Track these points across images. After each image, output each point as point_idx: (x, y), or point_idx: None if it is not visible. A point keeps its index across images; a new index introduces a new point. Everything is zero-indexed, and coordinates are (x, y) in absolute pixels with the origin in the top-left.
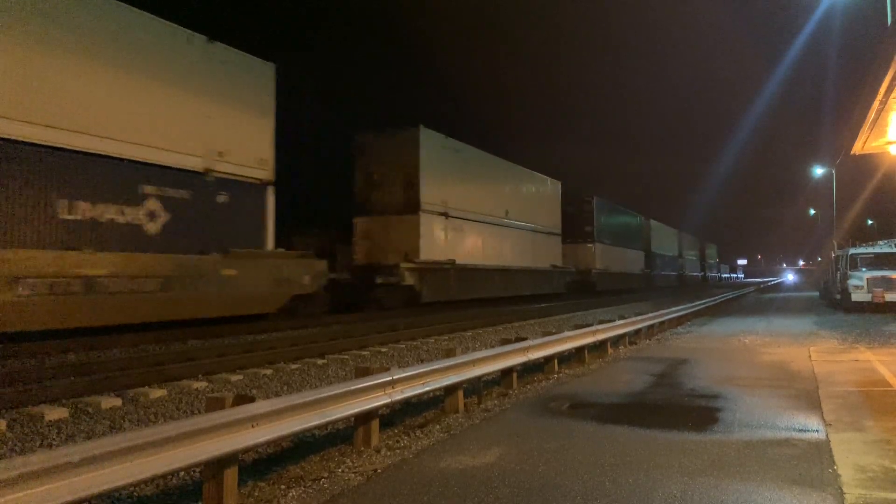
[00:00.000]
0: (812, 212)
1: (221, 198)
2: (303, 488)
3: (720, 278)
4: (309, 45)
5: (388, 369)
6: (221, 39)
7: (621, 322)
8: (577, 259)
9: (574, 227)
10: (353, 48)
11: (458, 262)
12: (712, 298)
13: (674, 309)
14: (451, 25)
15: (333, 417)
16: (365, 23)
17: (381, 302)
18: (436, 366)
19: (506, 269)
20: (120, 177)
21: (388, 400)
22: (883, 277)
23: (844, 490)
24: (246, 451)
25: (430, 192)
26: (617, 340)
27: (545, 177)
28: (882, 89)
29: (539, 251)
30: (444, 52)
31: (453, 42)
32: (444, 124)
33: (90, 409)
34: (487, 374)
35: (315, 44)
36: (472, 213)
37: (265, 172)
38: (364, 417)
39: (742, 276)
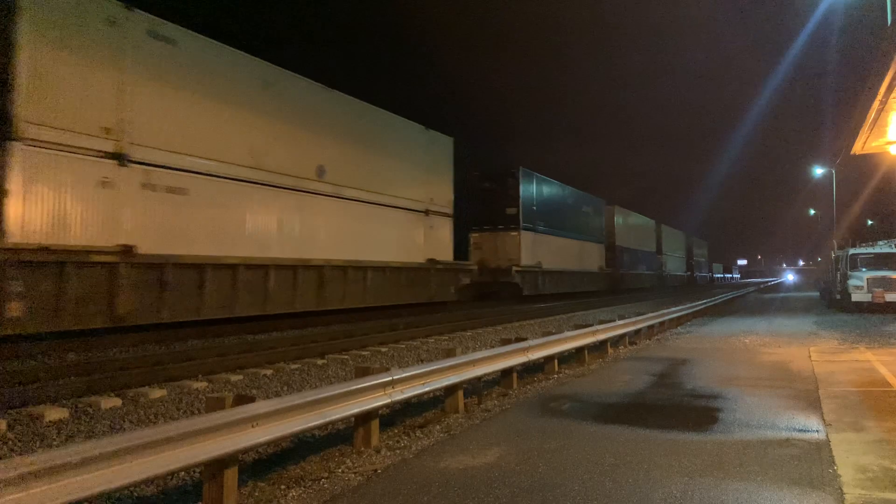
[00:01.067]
0: (812, 212)
1: None
2: (303, 488)
3: (711, 279)
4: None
5: (388, 369)
6: None
7: (621, 322)
8: (494, 252)
9: (491, 208)
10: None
11: (143, 250)
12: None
13: (673, 309)
14: (450, 24)
15: (333, 417)
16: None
17: None
18: (436, 366)
19: (300, 265)
20: None
21: (388, 400)
22: (883, 277)
23: (844, 490)
24: (246, 451)
25: (53, 98)
26: (617, 340)
27: (417, 125)
28: (882, 89)
29: (404, 238)
30: (443, 51)
31: (453, 41)
32: (447, 121)
33: (90, 409)
34: (487, 374)
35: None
36: (216, 164)
37: None
38: (364, 417)
39: (738, 276)
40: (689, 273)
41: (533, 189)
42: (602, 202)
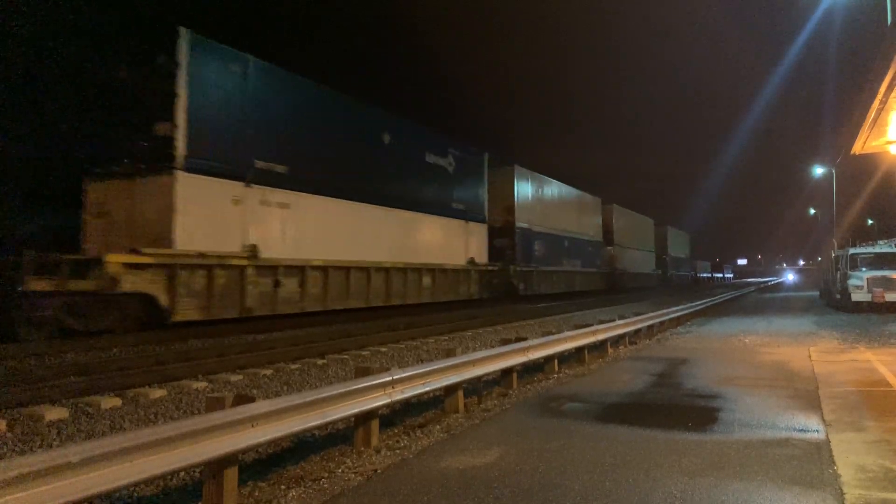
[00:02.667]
0: (812, 212)
1: None
2: (303, 488)
3: (695, 279)
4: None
5: (388, 369)
6: None
7: (621, 322)
8: (128, 222)
9: (126, 128)
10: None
11: None
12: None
13: (674, 309)
14: (450, 23)
15: (333, 417)
16: (370, 26)
17: None
18: (436, 366)
19: None
20: None
21: (388, 400)
22: (883, 277)
23: (844, 490)
24: (246, 451)
25: None
26: (617, 340)
27: None
28: (882, 89)
29: None
30: (451, 55)
31: (460, 46)
32: (447, 121)
33: (90, 409)
34: (487, 374)
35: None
36: None
37: None
38: (364, 417)
39: (731, 275)
40: (660, 272)
41: (235, 81)
42: (483, 158)
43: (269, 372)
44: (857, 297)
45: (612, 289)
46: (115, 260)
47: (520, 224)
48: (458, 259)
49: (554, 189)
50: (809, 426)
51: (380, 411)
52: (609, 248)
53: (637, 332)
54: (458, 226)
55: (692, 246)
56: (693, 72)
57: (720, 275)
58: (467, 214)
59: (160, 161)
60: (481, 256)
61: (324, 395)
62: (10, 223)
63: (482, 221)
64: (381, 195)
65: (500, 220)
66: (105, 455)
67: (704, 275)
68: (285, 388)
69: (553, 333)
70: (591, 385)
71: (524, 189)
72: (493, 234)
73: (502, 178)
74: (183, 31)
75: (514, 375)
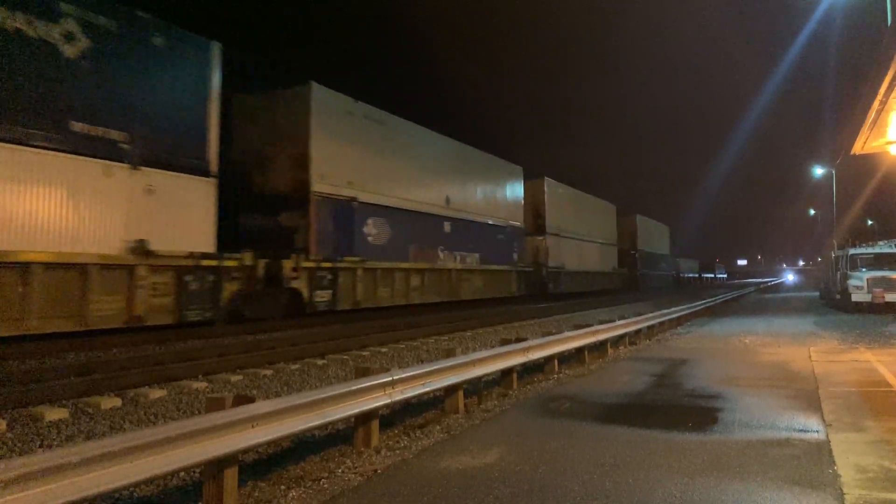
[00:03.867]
0: (812, 212)
1: None
2: (303, 488)
3: (677, 278)
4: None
5: (388, 370)
6: None
7: (621, 322)
8: None
9: None
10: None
11: None
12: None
13: (674, 309)
14: (450, 23)
15: (333, 418)
16: (372, 25)
17: None
18: (436, 366)
19: None
20: None
21: (389, 400)
22: (883, 277)
23: (844, 490)
24: (246, 451)
25: None
26: (617, 341)
27: None
28: (882, 89)
29: None
30: (443, 50)
31: (453, 40)
32: (446, 122)
33: (90, 409)
34: (487, 375)
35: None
36: None
37: None
38: (364, 418)
39: (725, 276)
40: (625, 271)
41: None
42: (209, 50)
43: (269, 372)
44: (857, 297)
45: (539, 293)
46: None
47: (322, 189)
48: (96, 243)
49: (419, 140)
50: (809, 426)
51: (380, 411)
52: (538, 237)
53: (637, 332)
54: (101, 174)
55: (674, 240)
56: (693, 72)
57: (711, 275)
58: (136, 154)
59: None
60: (186, 240)
61: (324, 395)
62: None
63: (201, 173)
64: None
65: (284, 180)
66: (105, 455)
67: (690, 275)
68: (285, 388)
69: (553, 334)
70: (592, 385)
71: (339, 130)
72: (273, 205)
73: (286, 105)
74: None
75: (514, 376)
